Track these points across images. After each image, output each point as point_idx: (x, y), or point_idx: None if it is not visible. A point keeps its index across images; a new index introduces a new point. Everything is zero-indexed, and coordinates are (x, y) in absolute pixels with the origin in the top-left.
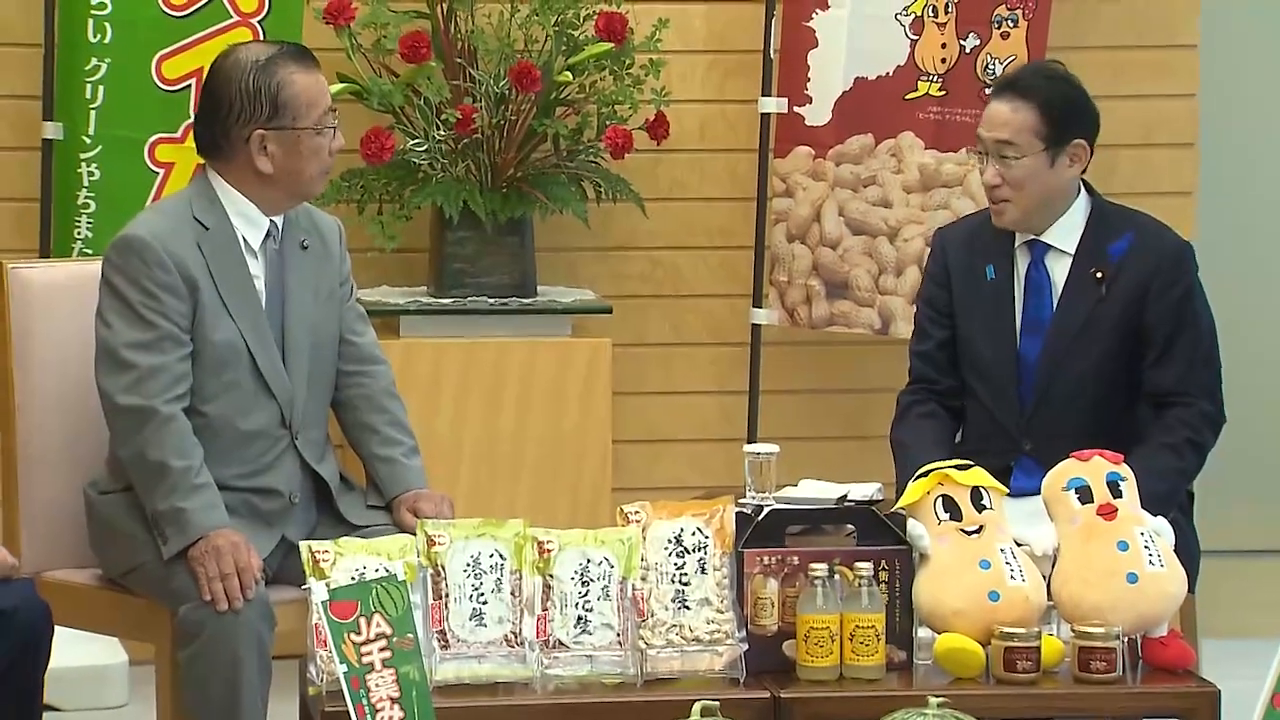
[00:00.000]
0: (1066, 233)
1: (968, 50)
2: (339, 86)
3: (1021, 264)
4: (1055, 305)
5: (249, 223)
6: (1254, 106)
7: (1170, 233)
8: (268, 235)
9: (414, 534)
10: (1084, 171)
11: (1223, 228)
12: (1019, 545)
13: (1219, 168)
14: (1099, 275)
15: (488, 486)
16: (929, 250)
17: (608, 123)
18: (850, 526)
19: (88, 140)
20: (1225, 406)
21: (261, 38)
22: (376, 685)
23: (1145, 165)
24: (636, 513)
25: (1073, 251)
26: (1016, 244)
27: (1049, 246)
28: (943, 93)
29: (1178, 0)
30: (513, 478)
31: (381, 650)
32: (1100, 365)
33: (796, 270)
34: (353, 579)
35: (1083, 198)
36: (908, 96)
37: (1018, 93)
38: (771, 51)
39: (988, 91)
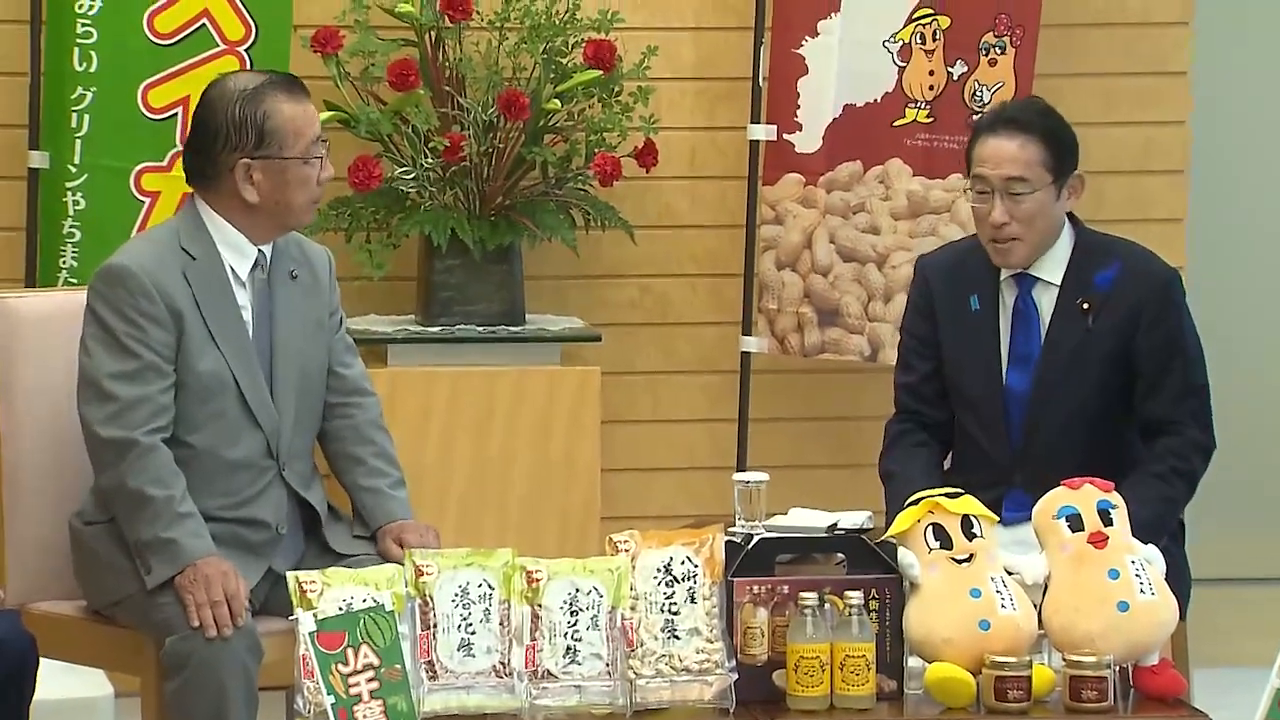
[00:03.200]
0: (1054, 264)
1: (955, 77)
2: (326, 115)
3: (1008, 296)
4: (1043, 338)
5: (236, 252)
6: (1245, 132)
7: (1157, 261)
8: (255, 265)
9: (401, 564)
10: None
11: (1213, 254)
12: (1010, 574)
13: (1210, 194)
14: (1085, 306)
15: (476, 515)
16: (912, 281)
17: (596, 150)
18: (840, 555)
19: (73, 169)
20: (1216, 433)
21: (249, 65)
22: (364, 716)
23: (1136, 192)
24: (625, 542)
25: (1059, 283)
26: (1003, 276)
27: (1036, 279)
28: (930, 120)
29: (1168, 27)
30: (501, 506)
31: (369, 681)
32: (1090, 398)
33: (786, 298)
34: (340, 609)
35: (1068, 228)
36: (896, 123)
37: (1020, 128)
38: (760, 79)
39: (975, 118)
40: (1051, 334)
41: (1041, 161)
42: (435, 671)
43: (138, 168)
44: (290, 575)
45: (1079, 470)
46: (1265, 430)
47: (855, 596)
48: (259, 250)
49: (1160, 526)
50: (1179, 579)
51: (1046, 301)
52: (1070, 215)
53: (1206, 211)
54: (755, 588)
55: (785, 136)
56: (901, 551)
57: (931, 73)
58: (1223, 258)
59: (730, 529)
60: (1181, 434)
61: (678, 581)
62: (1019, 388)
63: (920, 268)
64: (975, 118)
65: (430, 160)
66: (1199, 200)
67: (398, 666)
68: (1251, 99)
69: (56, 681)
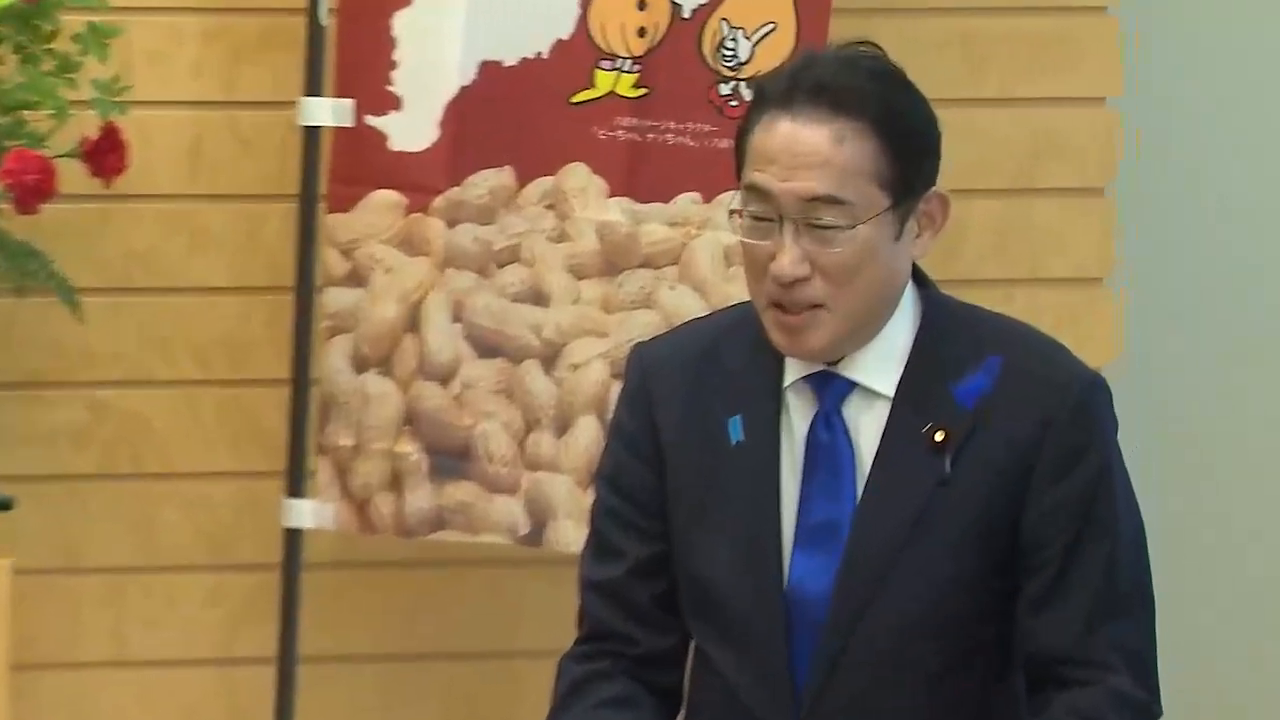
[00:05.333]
0: (884, 360)
1: (686, 15)
2: None
3: (799, 417)
4: (860, 495)
5: None
6: (1206, 118)
7: (1065, 359)
8: None
9: None
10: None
11: (1161, 337)
12: None
13: (1154, 228)
14: (939, 437)
15: None
16: (621, 388)
17: (8, 143)
18: None
19: None
20: (1161, 682)
21: None
22: None
23: (1020, 225)
24: None
25: (891, 394)
26: (788, 381)
27: (852, 384)
28: (642, 91)
29: None
30: None
31: None
32: (939, 605)
33: (371, 426)
34: None
35: (911, 294)
36: (577, 99)
37: (836, 105)
38: (322, 15)
39: (723, 90)
40: (875, 487)
41: (871, 170)
42: None
43: None
44: None
45: None
46: (1244, 641)
47: None
48: None
49: None
50: None
51: (869, 426)
52: (916, 271)
53: (1151, 260)
54: None
55: (370, 121)
56: None
57: (642, 6)
58: (1172, 341)
59: None
60: (1102, 682)
61: None
62: (813, 588)
63: (637, 365)
64: (732, 85)
65: None
66: (1138, 241)
67: None
68: (1214, 62)
69: None
